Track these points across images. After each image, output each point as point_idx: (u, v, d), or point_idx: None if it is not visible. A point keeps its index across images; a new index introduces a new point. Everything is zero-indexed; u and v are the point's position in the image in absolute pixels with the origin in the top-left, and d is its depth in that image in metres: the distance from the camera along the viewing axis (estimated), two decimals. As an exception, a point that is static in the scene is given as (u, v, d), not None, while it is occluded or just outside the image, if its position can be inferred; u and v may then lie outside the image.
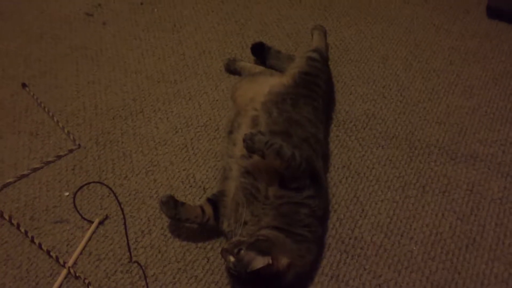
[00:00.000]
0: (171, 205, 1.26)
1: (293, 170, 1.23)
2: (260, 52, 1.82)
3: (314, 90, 1.55)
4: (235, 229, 1.23)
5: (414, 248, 1.29)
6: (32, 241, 1.33)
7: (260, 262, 1.09)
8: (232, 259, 1.12)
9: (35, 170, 1.52)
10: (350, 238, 1.32)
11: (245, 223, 1.22)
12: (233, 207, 1.27)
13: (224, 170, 1.38)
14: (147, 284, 1.23)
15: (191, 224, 1.31)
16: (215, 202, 1.32)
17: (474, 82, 1.76)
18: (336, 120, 1.64)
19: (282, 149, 1.22)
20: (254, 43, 1.84)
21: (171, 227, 1.36)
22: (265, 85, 1.54)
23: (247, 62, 1.82)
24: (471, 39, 1.95)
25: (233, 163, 1.34)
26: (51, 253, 1.30)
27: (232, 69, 1.82)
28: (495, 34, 1.96)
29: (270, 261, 1.09)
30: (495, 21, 2.02)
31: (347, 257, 1.27)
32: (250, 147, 1.23)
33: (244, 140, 1.24)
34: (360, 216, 1.37)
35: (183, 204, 1.28)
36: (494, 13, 2.04)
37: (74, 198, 1.43)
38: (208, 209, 1.30)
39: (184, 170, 1.51)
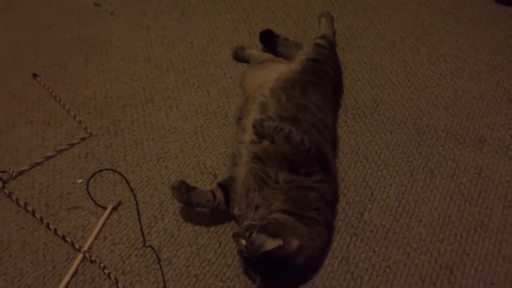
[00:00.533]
0: (183, 190, 1.29)
1: (302, 155, 1.25)
2: (269, 40, 1.83)
3: (322, 77, 1.57)
4: (246, 214, 1.25)
5: (423, 230, 1.31)
6: (48, 227, 1.36)
7: (271, 244, 1.11)
8: (244, 242, 1.14)
9: (48, 158, 1.55)
10: (359, 222, 1.34)
11: (257, 207, 1.25)
12: (244, 192, 1.30)
13: (233, 156, 1.40)
14: (161, 267, 1.26)
15: (203, 208, 1.33)
16: (225, 187, 1.34)
17: (481, 67, 1.76)
18: (345, 106, 1.66)
19: (291, 134, 1.24)
20: (262, 30, 1.85)
21: (183, 212, 1.38)
22: (274, 72, 1.55)
23: (255, 50, 1.83)
24: (478, 24, 1.95)
25: (243, 149, 1.36)
26: (67, 239, 1.33)
27: (240, 57, 1.84)
28: (502, 19, 1.96)
29: (281, 243, 1.11)
30: (503, 6, 2.01)
31: (357, 240, 1.29)
32: (260, 133, 1.25)
33: (253, 126, 1.26)
34: (369, 200, 1.38)
35: (194, 188, 1.31)
36: (502, -2, 2.04)
37: (87, 185, 1.46)
38: (219, 194, 1.32)
39: (194, 156, 1.53)
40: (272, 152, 1.30)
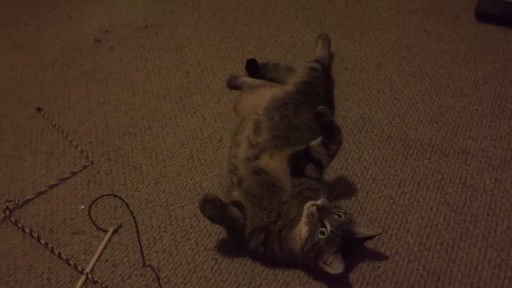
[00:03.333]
0: (218, 204, 1.25)
1: (331, 160, 1.37)
2: (253, 69, 1.92)
3: (314, 98, 1.65)
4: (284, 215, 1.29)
5: (411, 240, 1.35)
6: (52, 251, 1.43)
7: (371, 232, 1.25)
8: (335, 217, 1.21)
9: (52, 186, 1.62)
10: (349, 234, 1.39)
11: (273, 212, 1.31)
12: (253, 203, 1.32)
13: (229, 172, 1.43)
14: (160, 285, 1.32)
15: (229, 226, 1.34)
16: (240, 205, 1.33)
17: (465, 82, 1.83)
18: (334, 125, 1.72)
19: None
20: (247, 60, 1.94)
21: (181, 232, 1.44)
22: (267, 94, 1.63)
23: (248, 78, 1.92)
24: (461, 42, 2.03)
25: (239, 163, 1.42)
26: (70, 262, 1.39)
27: (233, 85, 1.92)
28: (484, 36, 2.04)
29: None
30: (484, 24, 2.10)
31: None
32: (325, 116, 1.32)
33: (322, 108, 1.33)
34: (359, 213, 1.44)
35: (227, 204, 1.29)
36: (482, 16, 2.12)
37: (89, 210, 1.52)
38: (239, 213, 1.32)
39: (191, 179, 1.60)
40: (273, 168, 1.37)
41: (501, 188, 1.45)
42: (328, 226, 1.19)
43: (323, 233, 1.19)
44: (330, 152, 1.35)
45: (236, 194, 1.37)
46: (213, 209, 1.26)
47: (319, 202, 1.24)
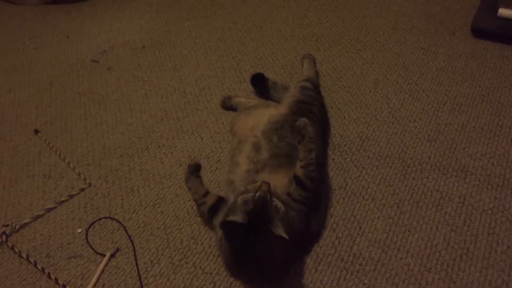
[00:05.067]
0: (190, 170, 1.52)
1: (308, 173, 1.38)
2: (259, 82, 1.93)
3: (311, 118, 1.63)
4: None
5: (411, 261, 1.34)
6: (49, 277, 1.41)
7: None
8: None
9: (49, 210, 1.61)
10: (349, 255, 1.38)
11: None
12: None
13: (227, 191, 1.46)
14: (158, 310, 1.30)
15: (191, 195, 1.50)
16: (223, 201, 1.43)
17: (462, 99, 1.83)
18: (332, 144, 1.72)
19: (314, 152, 1.40)
20: (254, 73, 1.95)
21: (179, 255, 1.43)
22: (263, 116, 1.63)
23: (242, 98, 1.92)
24: (457, 59, 2.03)
25: (237, 180, 1.44)
26: (67, 287, 1.38)
27: (228, 106, 1.92)
28: (480, 52, 2.04)
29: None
30: (480, 41, 2.10)
31: (347, 274, 1.33)
32: (301, 127, 1.43)
33: (299, 121, 1.44)
34: (358, 234, 1.43)
35: (197, 177, 1.51)
36: (478, 32, 2.13)
37: (86, 234, 1.51)
38: (210, 199, 1.45)
39: (189, 201, 1.59)
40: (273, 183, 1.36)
41: (501, 207, 1.45)
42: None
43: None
44: (307, 173, 1.39)
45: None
46: (187, 171, 1.53)
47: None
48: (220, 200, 1.44)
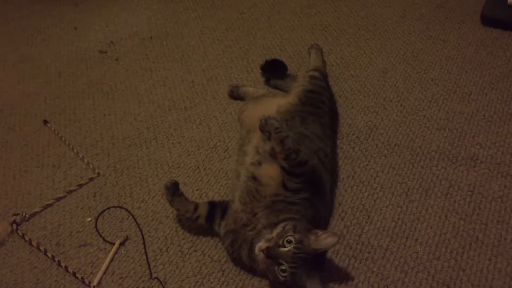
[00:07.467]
0: (171, 191, 1.41)
1: (291, 162, 1.32)
2: (274, 68, 1.92)
3: (320, 107, 1.64)
4: (256, 226, 1.29)
5: (419, 249, 1.34)
6: (59, 265, 1.43)
7: (332, 240, 1.17)
8: (287, 248, 1.17)
9: (59, 199, 1.62)
10: (357, 244, 1.37)
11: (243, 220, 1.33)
12: (235, 209, 1.37)
13: (233, 179, 1.47)
14: (167, 298, 1.31)
15: (183, 215, 1.44)
16: (216, 205, 1.42)
17: (471, 88, 1.82)
18: (340, 133, 1.72)
19: (287, 139, 1.33)
20: (268, 59, 1.94)
21: (187, 243, 1.43)
22: (272, 105, 1.62)
23: (249, 87, 1.92)
24: (467, 47, 2.01)
25: (242, 169, 1.43)
26: (77, 275, 1.39)
27: (235, 95, 1.92)
28: (490, 41, 2.02)
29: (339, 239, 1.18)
30: (490, 29, 2.08)
31: (355, 262, 1.33)
32: (262, 126, 1.36)
33: (260, 120, 1.36)
34: (366, 222, 1.43)
35: (180, 195, 1.42)
36: (488, 21, 2.11)
37: (96, 222, 1.52)
38: (202, 209, 1.41)
39: (197, 190, 1.59)
40: (269, 175, 1.36)
41: (510, 195, 1.44)
42: (285, 264, 1.17)
43: (284, 271, 1.18)
44: (291, 162, 1.33)
45: (237, 196, 1.39)
46: (167, 195, 1.41)
47: (262, 244, 1.21)
48: (213, 206, 1.42)
